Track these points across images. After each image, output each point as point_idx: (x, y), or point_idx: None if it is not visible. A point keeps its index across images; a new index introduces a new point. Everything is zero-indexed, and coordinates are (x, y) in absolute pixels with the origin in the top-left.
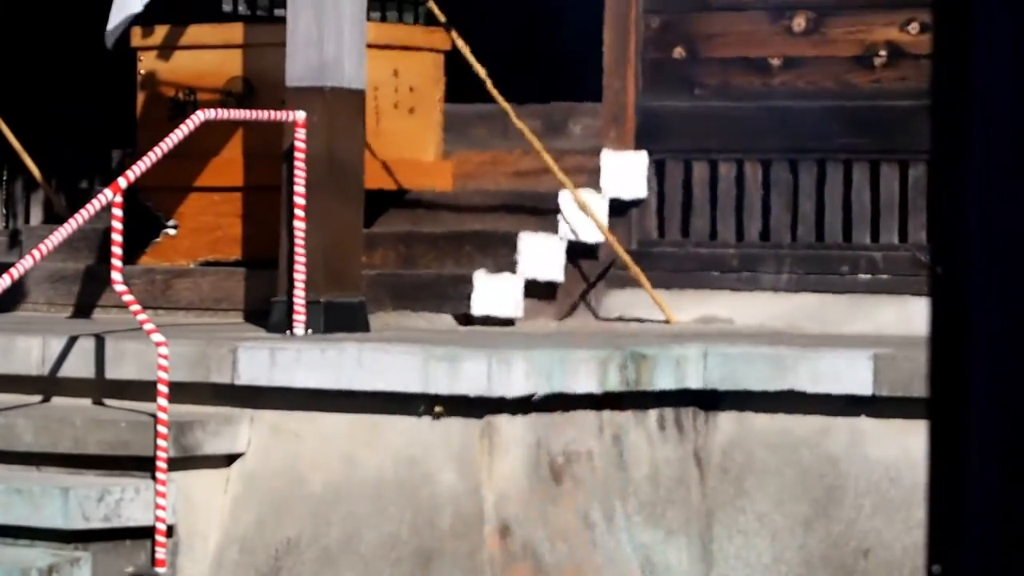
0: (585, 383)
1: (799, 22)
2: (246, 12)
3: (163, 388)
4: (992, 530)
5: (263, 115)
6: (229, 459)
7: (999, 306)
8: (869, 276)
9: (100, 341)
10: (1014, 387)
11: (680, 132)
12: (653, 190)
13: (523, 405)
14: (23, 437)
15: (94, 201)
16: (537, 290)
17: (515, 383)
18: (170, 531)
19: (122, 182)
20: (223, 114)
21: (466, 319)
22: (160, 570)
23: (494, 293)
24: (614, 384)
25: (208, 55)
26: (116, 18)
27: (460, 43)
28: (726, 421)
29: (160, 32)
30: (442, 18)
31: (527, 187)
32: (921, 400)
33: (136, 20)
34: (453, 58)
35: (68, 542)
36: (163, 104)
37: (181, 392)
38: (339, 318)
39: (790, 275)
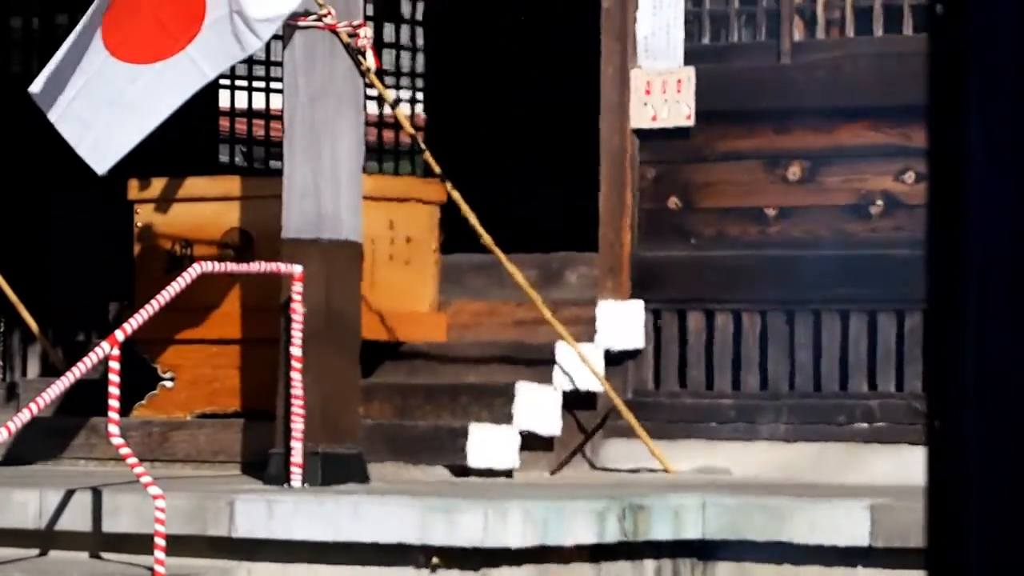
0: (582, 534)
1: (794, 171)
2: (243, 164)
3: (160, 541)
4: None
5: (260, 268)
6: None
7: (996, 457)
8: (866, 425)
9: (97, 494)
10: (1012, 540)
11: (676, 282)
12: (650, 340)
13: (520, 556)
14: None
15: (91, 354)
16: (534, 441)
17: (512, 534)
18: None
19: (119, 335)
20: (220, 267)
21: (463, 470)
22: None
23: (491, 445)
24: (612, 535)
25: (205, 207)
26: (113, 148)
27: (456, 195)
28: (725, 572)
29: (157, 184)
30: (437, 169)
31: (524, 337)
32: (919, 551)
33: (132, 170)
34: (449, 208)
35: None
36: (160, 256)
37: (178, 545)
38: (337, 469)
39: (787, 424)
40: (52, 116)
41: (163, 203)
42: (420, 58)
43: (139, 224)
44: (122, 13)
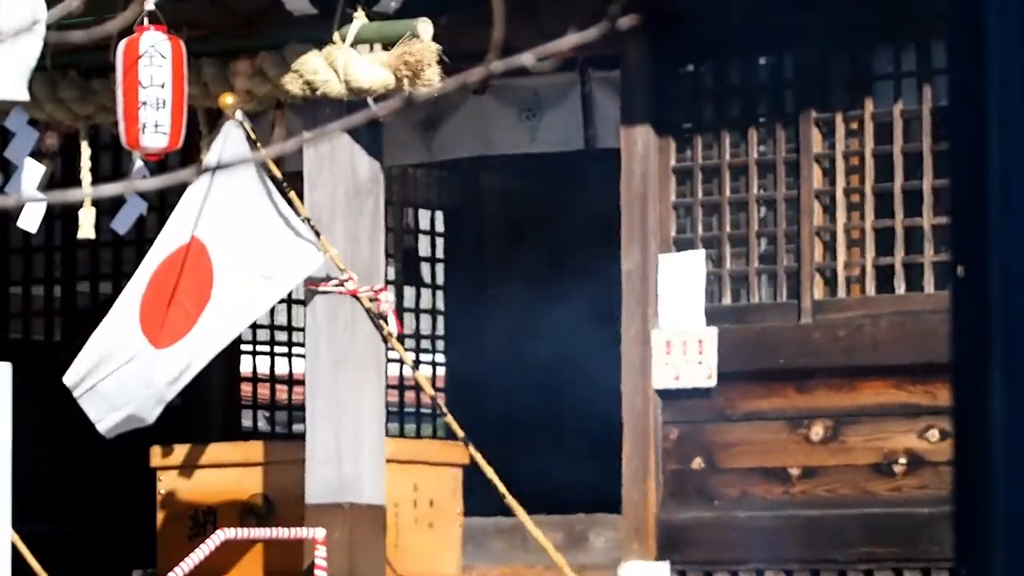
0: None
1: (817, 431)
2: (266, 429)
3: None
4: None
5: (283, 533)
6: None
7: None
8: None
9: None
10: None
11: (701, 543)
12: None
13: None
14: None
15: None
16: None
17: None
18: None
19: None
20: (243, 534)
21: None
22: None
23: None
24: None
25: (228, 473)
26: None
27: (478, 457)
28: None
29: (180, 451)
30: (460, 432)
31: None
32: None
33: (154, 438)
34: (471, 471)
35: None
36: (183, 523)
37: None
38: None
39: None
40: (76, 392)
41: (186, 469)
42: (441, 320)
43: (162, 491)
44: (157, 299)
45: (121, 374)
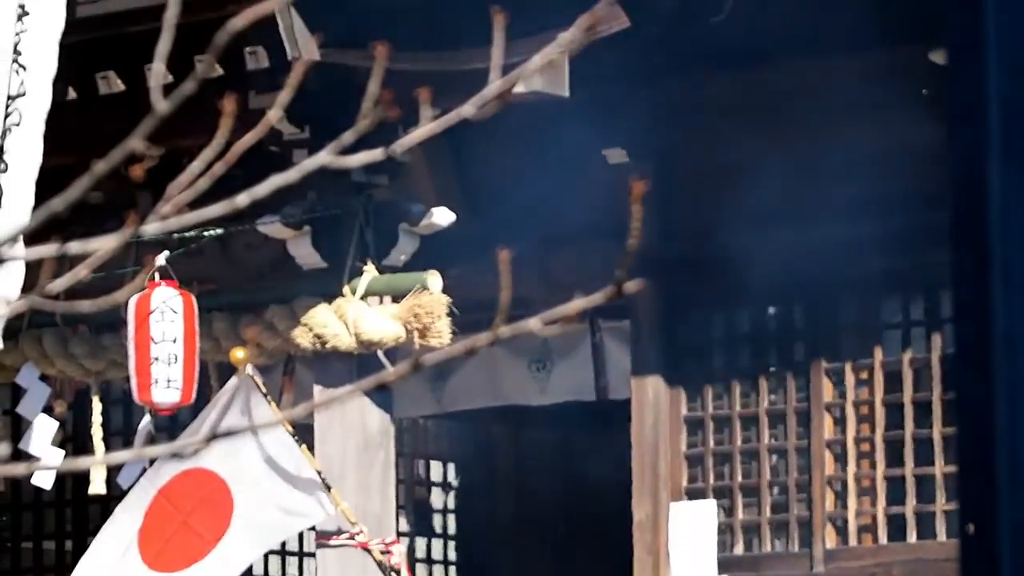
0: None
1: None
2: None
3: None
4: None
5: None
6: None
7: None
8: None
9: None
10: None
11: None
12: None
13: None
14: None
15: None
16: None
17: None
18: None
19: None
20: None
21: None
22: None
23: None
24: None
25: None
26: None
27: None
28: None
29: None
30: None
31: None
32: None
33: None
34: None
35: None
36: None
37: None
38: None
39: None
40: None
41: None
42: (453, 572)
43: None
44: (156, 526)
45: None
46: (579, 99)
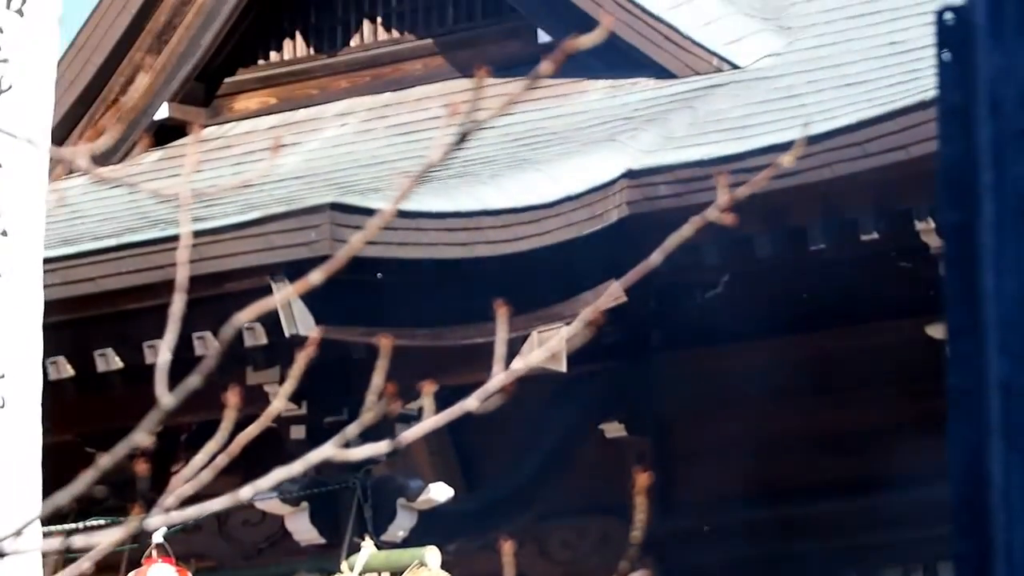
0: None
1: None
2: None
3: None
4: None
5: None
6: None
7: None
8: None
9: None
10: None
11: None
12: None
13: None
14: None
15: None
16: None
17: None
18: None
19: None
20: None
21: None
22: None
23: None
24: None
25: None
26: None
27: None
28: None
29: None
30: None
31: None
32: None
33: None
34: None
35: None
36: None
37: None
38: None
39: None
40: None
41: None
42: None
43: None
44: None
45: None
46: (576, 373)
